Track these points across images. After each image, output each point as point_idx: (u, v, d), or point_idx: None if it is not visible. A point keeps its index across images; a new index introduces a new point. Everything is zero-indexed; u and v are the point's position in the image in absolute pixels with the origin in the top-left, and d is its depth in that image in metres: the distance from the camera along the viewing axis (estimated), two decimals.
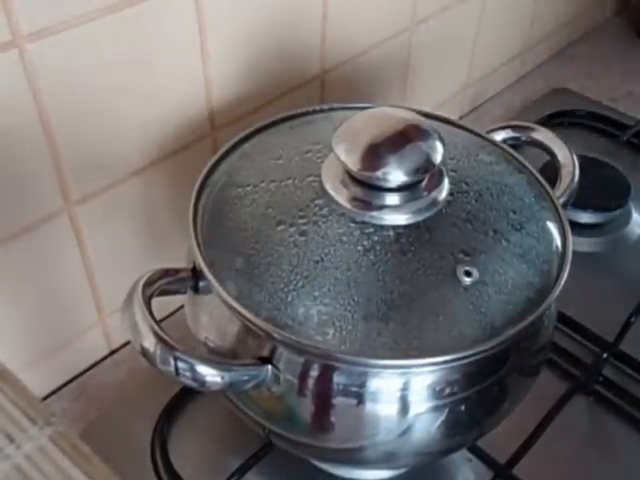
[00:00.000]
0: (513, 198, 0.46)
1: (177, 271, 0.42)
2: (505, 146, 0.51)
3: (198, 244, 0.42)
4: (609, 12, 1.07)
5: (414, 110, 0.45)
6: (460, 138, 0.50)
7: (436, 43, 0.77)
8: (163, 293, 0.41)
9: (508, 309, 0.40)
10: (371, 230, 0.41)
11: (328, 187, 0.42)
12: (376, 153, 0.40)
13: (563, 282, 0.41)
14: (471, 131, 0.52)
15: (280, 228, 0.41)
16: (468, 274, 0.40)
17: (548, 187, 0.48)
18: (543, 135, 0.53)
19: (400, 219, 0.41)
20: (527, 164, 0.49)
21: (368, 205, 0.41)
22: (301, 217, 0.41)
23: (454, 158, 0.46)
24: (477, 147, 0.49)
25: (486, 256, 0.41)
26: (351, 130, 0.42)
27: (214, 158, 0.47)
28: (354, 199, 0.41)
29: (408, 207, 0.42)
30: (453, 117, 0.88)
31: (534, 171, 0.49)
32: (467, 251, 0.41)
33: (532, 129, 0.53)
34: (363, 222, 0.41)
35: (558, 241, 0.44)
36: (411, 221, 0.41)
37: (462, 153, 0.47)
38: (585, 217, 0.70)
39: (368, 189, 0.41)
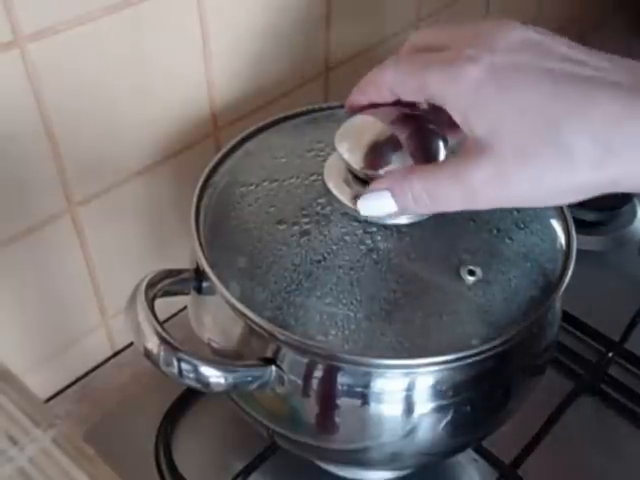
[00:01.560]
0: None
1: (180, 272, 0.43)
2: None
3: (201, 245, 0.42)
4: (610, 10, 1.07)
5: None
6: None
7: None
8: (166, 294, 0.41)
9: (512, 308, 0.40)
10: (374, 229, 0.41)
11: (331, 186, 0.42)
12: (379, 151, 0.40)
13: (567, 280, 0.41)
14: None
15: (282, 227, 0.41)
16: (472, 273, 0.40)
17: None
18: None
19: (403, 218, 0.41)
20: None
21: None
22: (304, 216, 0.41)
23: None
24: None
25: (490, 255, 0.41)
26: (353, 129, 0.42)
27: (216, 158, 0.47)
28: (357, 198, 0.41)
29: None
30: None
31: None
32: (470, 250, 0.41)
33: None
34: (366, 221, 0.41)
35: (562, 239, 0.44)
36: (414, 220, 0.41)
37: None
38: (590, 215, 0.70)
39: None
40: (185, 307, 0.47)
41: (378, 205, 0.37)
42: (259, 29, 0.56)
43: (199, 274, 0.42)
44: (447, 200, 0.35)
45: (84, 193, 0.51)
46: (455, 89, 0.34)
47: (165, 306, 0.42)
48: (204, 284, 0.43)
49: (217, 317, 0.43)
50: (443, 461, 0.52)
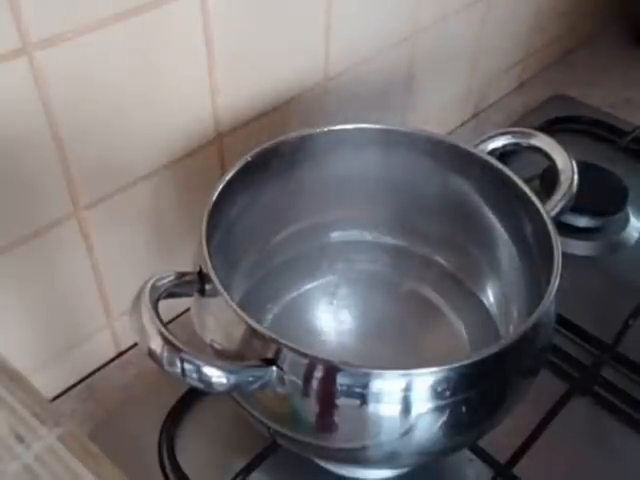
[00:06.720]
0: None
1: (184, 274, 0.43)
2: (494, 160, 0.51)
3: (209, 250, 0.43)
4: (607, 20, 1.08)
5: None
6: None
7: (438, 50, 0.77)
8: (170, 296, 0.42)
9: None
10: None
11: None
12: None
13: (555, 289, 0.42)
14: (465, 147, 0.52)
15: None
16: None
17: (533, 195, 0.49)
18: (543, 141, 0.53)
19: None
20: (514, 177, 0.50)
21: None
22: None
23: None
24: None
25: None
26: None
27: (231, 173, 0.48)
28: None
29: None
30: (455, 123, 0.88)
31: (520, 183, 0.50)
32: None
33: (532, 135, 0.54)
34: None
35: (551, 248, 0.45)
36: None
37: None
38: (584, 221, 0.70)
39: None
40: (188, 308, 0.48)
41: None
42: (262, 37, 0.56)
43: (202, 277, 0.43)
44: None
45: (90, 197, 0.51)
46: None
47: (169, 307, 0.43)
48: (207, 286, 0.43)
49: (219, 319, 0.43)
50: (440, 460, 0.53)
